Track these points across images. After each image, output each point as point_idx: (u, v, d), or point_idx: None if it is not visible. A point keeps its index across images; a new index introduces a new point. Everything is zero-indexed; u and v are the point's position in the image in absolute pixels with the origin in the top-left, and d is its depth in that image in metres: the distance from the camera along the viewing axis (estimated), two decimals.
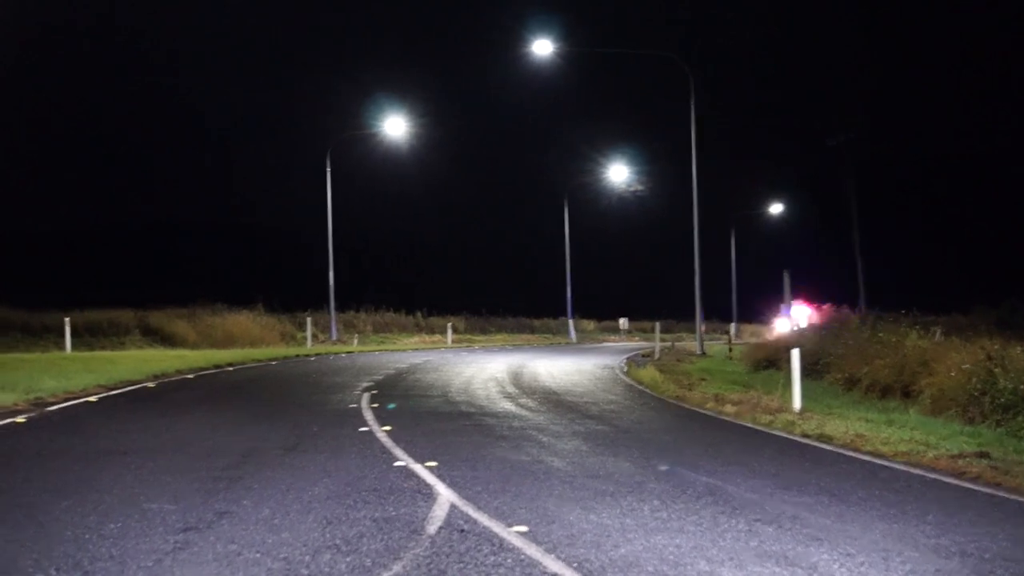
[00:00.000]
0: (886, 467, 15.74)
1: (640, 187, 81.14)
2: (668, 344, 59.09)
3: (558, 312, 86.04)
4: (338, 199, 64.70)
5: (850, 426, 19.99)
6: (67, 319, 49.16)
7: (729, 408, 23.86)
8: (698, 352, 52.87)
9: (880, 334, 32.34)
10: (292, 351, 51.59)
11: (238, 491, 12.26)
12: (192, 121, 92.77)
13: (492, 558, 9.06)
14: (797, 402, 23.27)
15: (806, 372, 25.27)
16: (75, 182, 79.12)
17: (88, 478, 13.21)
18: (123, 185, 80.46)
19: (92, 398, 24.01)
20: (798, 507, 12.00)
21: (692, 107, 51.49)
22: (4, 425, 18.80)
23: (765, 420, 21.56)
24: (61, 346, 47.84)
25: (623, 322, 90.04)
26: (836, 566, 9.15)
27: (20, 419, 19.63)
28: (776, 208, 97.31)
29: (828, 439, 18.66)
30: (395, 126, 65.48)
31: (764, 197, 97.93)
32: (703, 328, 55.79)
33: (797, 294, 52.30)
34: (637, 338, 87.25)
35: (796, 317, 50.82)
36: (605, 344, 74.23)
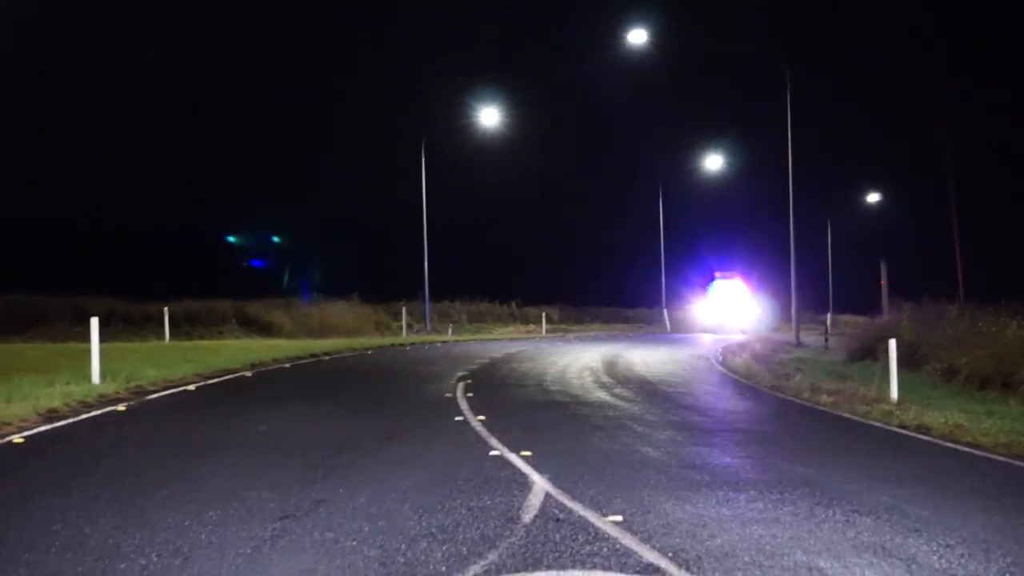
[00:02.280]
0: (986, 458, 15.53)
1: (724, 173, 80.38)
2: (765, 335, 58.83)
3: (652, 302, 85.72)
4: (434, 190, 64.95)
5: (948, 417, 19.74)
6: (166, 309, 49.86)
7: (825, 398, 23.66)
8: (794, 342, 52.45)
9: (979, 324, 31.90)
10: (387, 341, 51.90)
11: (335, 480, 12.36)
12: (280, 111, 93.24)
13: (587, 547, 9.06)
14: (894, 393, 23.04)
15: (903, 363, 25.01)
16: (169, 176, 79.89)
17: (188, 467, 13.38)
18: (213, 177, 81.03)
19: (191, 387, 24.32)
20: (896, 498, 11.88)
21: (788, 97, 51.06)
22: (106, 413, 19.10)
23: (862, 411, 21.35)
24: (160, 335, 48.57)
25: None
26: (935, 558, 9.05)
27: (121, 407, 19.94)
28: (873, 197, 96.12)
29: (926, 430, 18.45)
30: (489, 116, 65.49)
31: (862, 187, 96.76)
32: (798, 319, 55.33)
33: (728, 269, 48.61)
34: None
35: (722, 295, 54.91)
36: (700, 334, 73.98)
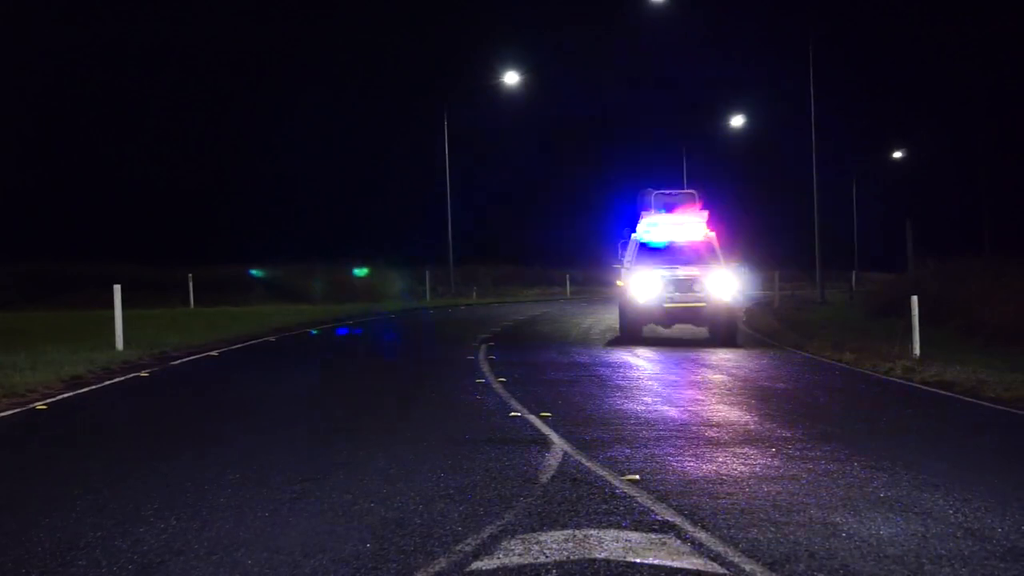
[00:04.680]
0: (1007, 413, 15.51)
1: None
2: (788, 292, 58.53)
3: None
4: (457, 154, 64.89)
5: (971, 373, 19.67)
6: (191, 275, 50.06)
7: (848, 356, 23.62)
8: (819, 300, 52.37)
9: (1004, 279, 31.77)
10: (412, 304, 51.99)
11: (354, 442, 12.41)
12: (304, 76, 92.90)
13: (603, 506, 9.08)
14: (917, 349, 23.00)
15: (927, 319, 24.94)
16: (196, 140, 79.78)
17: (209, 431, 13.47)
18: (235, 141, 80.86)
19: (214, 352, 24.44)
20: (915, 453, 11.88)
21: (811, 55, 50.84)
22: (129, 379, 19.21)
23: (884, 367, 21.32)
24: (186, 302, 48.75)
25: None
26: (951, 511, 9.04)
27: (144, 373, 20.05)
28: (898, 154, 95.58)
29: (948, 386, 18.41)
30: (511, 78, 65.23)
31: (888, 143, 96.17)
32: (823, 274, 55.19)
33: (678, 203, 29.93)
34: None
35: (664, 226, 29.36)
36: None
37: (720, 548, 7.82)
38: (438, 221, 65.75)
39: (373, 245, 67.69)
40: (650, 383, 18.69)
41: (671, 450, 11.97)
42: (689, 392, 17.47)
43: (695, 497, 9.52)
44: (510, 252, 79.74)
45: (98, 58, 74.89)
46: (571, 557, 7.56)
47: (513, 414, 14.65)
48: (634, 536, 8.12)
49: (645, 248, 28.97)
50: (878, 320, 37.46)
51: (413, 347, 26.62)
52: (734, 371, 20.95)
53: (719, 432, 13.30)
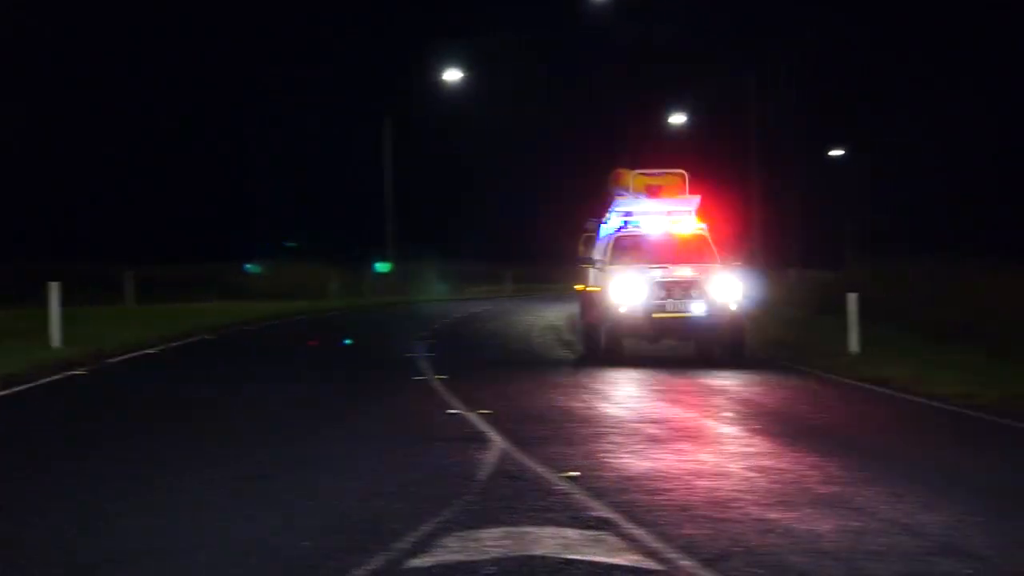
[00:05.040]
0: (942, 409, 15.64)
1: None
2: None
3: None
4: (402, 149, 64.68)
5: (908, 368, 19.77)
6: (130, 273, 49.65)
7: (785, 352, 23.72)
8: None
9: (942, 276, 31.98)
10: (352, 301, 51.83)
11: (293, 441, 12.36)
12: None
13: (540, 503, 9.08)
14: (854, 345, 23.13)
15: (868, 316, 25.05)
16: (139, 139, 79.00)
17: (146, 428, 13.39)
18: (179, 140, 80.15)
19: (151, 350, 24.24)
20: (850, 450, 11.97)
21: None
22: (66, 378, 19.01)
23: (822, 363, 21.42)
24: (126, 300, 48.34)
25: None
26: (885, 507, 9.12)
27: (81, 371, 19.86)
28: (838, 152, 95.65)
29: (884, 381, 18.49)
30: (452, 75, 64.81)
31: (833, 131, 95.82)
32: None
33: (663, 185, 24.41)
34: None
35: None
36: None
37: (657, 545, 7.84)
38: (379, 218, 65.55)
39: (314, 241, 67.37)
40: (588, 381, 18.72)
41: (609, 447, 12.00)
42: (628, 389, 17.54)
43: (633, 493, 9.54)
44: (452, 249, 79.44)
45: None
46: (508, 554, 7.56)
47: (452, 411, 14.63)
48: (571, 533, 8.13)
49: (623, 242, 23.21)
50: (818, 317, 37.66)
51: (355, 344, 26.52)
52: (672, 368, 20.98)
53: (658, 428, 13.34)
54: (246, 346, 26.20)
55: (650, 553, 7.64)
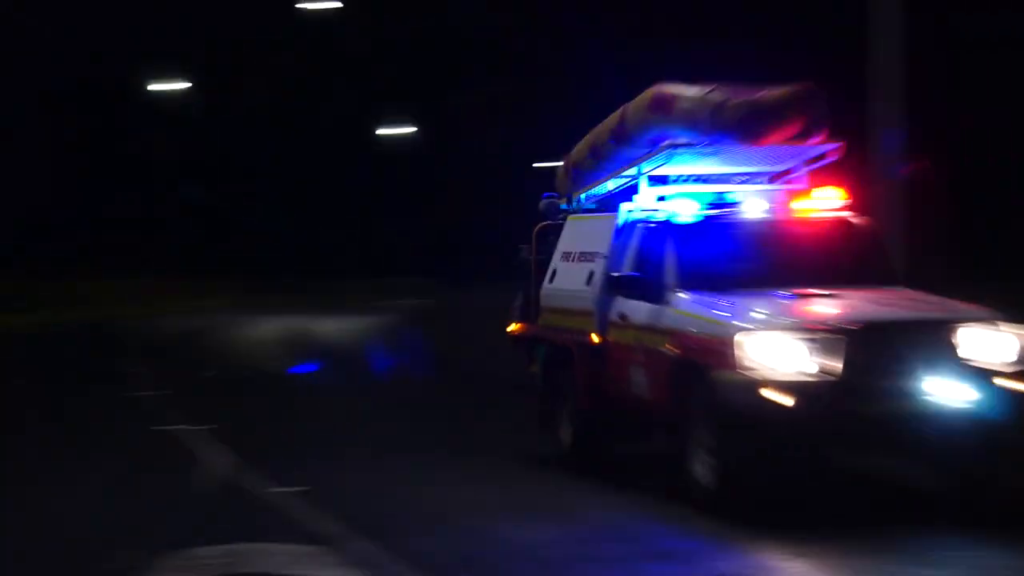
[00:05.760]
0: None
1: None
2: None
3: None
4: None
5: None
6: None
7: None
8: None
9: None
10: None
11: None
12: None
13: (262, 520, 9.03)
14: None
15: None
16: None
17: None
18: None
19: None
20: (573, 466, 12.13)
21: None
22: None
23: None
24: None
25: None
26: (601, 517, 9.27)
27: None
28: None
29: None
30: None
31: None
32: None
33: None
34: None
35: None
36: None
37: (382, 558, 7.86)
38: None
39: None
40: (319, 395, 18.59)
41: (337, 461, 12.00)
42: (360, 404, 17.39)
43: (358, 507, 9.55)
44: (168, 260, 74.28)
45: None
46: (227, 572, 7.48)
47: (174, 427, 14.32)
48: (293, 548, 8.10)
49: (710, 241, 10.76)
50: None
51: (64, 366, 24.93)
52: (404, 381, 20.92)
53: (384, 443, 13.28)
54: None
55: (375, 566, 7.67)
